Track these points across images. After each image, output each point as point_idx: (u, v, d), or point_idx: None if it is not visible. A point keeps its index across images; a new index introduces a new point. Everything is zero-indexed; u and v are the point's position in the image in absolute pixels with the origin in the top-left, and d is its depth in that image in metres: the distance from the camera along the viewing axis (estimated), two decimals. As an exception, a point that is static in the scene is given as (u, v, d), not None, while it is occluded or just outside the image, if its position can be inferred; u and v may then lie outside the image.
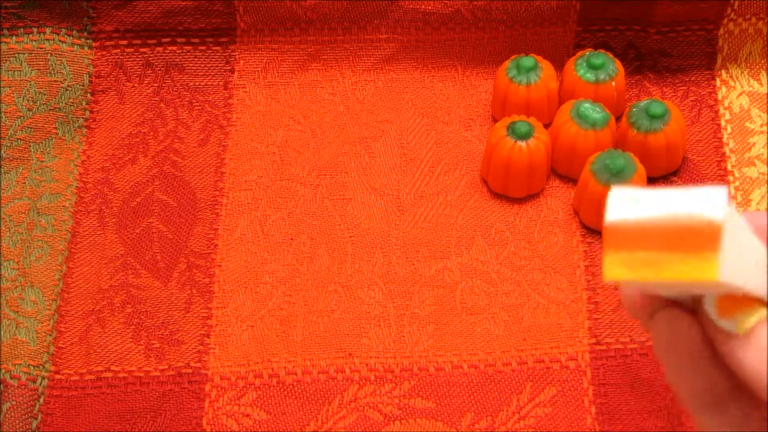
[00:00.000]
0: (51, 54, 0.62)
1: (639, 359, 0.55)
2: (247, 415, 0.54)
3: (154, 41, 0.63)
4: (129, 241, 0.59)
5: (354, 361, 0.55)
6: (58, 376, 0.55)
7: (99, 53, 0.63)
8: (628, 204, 0.28)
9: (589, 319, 0.56)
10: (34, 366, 0.55)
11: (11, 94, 0.62)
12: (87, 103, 0.63)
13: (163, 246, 0.59)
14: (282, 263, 0.58)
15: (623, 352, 0.55)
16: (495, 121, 0.62)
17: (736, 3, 0.61)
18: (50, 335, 0.56)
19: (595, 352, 0.55)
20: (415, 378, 0.55)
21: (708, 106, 0.62)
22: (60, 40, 0.63)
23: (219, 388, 0.55)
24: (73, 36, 0.63)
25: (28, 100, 0.62)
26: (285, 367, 0.55)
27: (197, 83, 0.64)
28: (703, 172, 0.60)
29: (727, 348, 0.30)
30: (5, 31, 0.62)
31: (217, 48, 0.64)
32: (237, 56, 0.64)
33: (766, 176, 0.60)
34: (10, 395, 0.54)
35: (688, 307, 0.31)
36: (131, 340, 0.56)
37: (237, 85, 0.64)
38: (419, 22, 0.63)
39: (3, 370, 0.55)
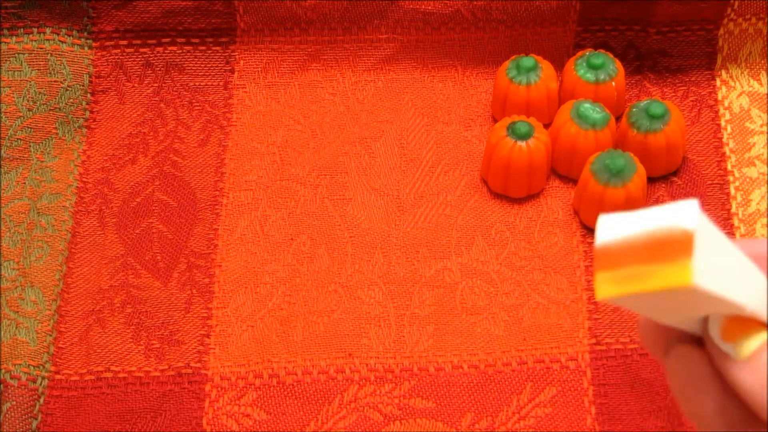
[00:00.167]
0: (51, 54, 0.62)
1: (639, 359, 0.55)
2: (247, 416, 0.54)
3: (154, 41, 0.63)
4: (129, 241, 0.59)
5: (354, 362, 0.55)
6: (58, 377, 0.55)
7: (99, 53, 0.63)
8: (614, 226, 0.30)
9: (589, 320, 0.56)
10: (34, 366, 0.55)
11: (11, 94, 0.62)
12: (87, 103, 0.63)
13: (163, 246, 0.59)
14: (282, 263, 0.58)
15: (623, 353, 0.55)
16: (495, 121, 0.62)
17: (736, 3, 0.61)
18: (50, 335, 0.56)
19: (595, 353, 0.55)
20: (415, 378, 0.55)
21: (708, 106, 0.62)
22: (60, 40, 0.63)
23: (219, 389, 0.55)
24: (73, 36, 0.63)
25: (28, 100, 0.62)
26: (285, 368, 0.55)
27: (197, 83, 0.64)
28: (703, 172, 0.60)
29: (728, 370, 0.31)
30: (5, 31, 0.62)
31: (217, 48, 0.64)
32: (237, 56, 0.64)
33: (766, 176, 0.60)
34: (10, 395, 0.54)
35: (700, 342, 0.32)
36: (131, 340, 0.56)
37: (237, 85, 0.64)
38: (419, 22, 0.63)
39: (3, 370, 0.55)
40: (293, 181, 0.61)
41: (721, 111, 0.62)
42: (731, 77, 0.63)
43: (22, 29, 0.62)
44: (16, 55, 0.62)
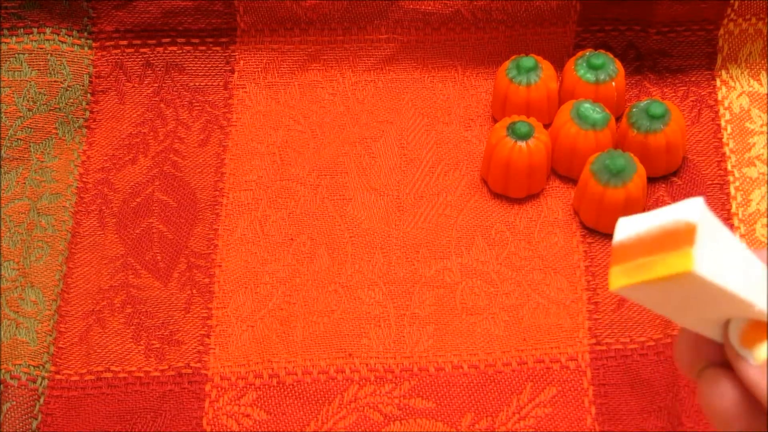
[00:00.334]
0: (51, 54, 0.62)
1: (639, 359, 0.55)
2: (248, 416, 0.54)
3: (154, 41, 0.63)
4: (129, 242, 0.59)
5: (354, 362, 0.55)
6: (58, 377, 0.55)
7: (99, 53, 0.63)
8: (629, 227, 0.32)
9: (589, 320, 0.56)
10: (34, 366, 0.55)
11: (11, 95, 0.62)
12: (87, 104, 0.63)
13: (163, 246, 0.59)
14: (282, 263, 0.58)
15: (623, 353, 0.55)
16: (495, 121, 0.62)
17: (736, 3, 0.61)
18: (50, 335, 0.56)
19: (595, 353, 0.55)
20: (415, 378, 0.55)
21: (708, 107, 0.62)
22: (60, 41, 0.63)
23: (219, 389, 0.55)
24: (73, 36, 0.63)
25: (28, 101, 0.62)
26: (285, 368, 0.55)
27: (197, 83, 0.64)
28: (703, 172, 0.60)
29: (745, 374, 0.32)
30: (5, 31, 0.62)
31: (217, 48, 0.64)
32: (237, 56, 0.64)
33: (766, 176, 0.60)
34: (10, 395, 0.54)
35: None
36: (131, 340, 0.56)
37: (237, 85, 0.64)
38: (419, 22, 0.63)
39: (3, 371, 0.55)
40: (293, 181, 0.61)
41: (721, 111, 0.62)
42: (731, 77, 0.63)
43: (22, 29, 0.62)
44: (16, 55, 0.62)
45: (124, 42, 0.63)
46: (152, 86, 0.64)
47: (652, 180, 0.59)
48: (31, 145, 0.61)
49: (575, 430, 0.53)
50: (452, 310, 0.56)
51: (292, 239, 0.59)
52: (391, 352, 0.55)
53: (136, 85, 0.64)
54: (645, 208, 0.58)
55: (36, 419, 0.54)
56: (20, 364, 0.55)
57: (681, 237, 0.30)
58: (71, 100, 0.63)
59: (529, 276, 0.57)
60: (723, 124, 0.61)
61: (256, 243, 0.59)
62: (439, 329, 0.56)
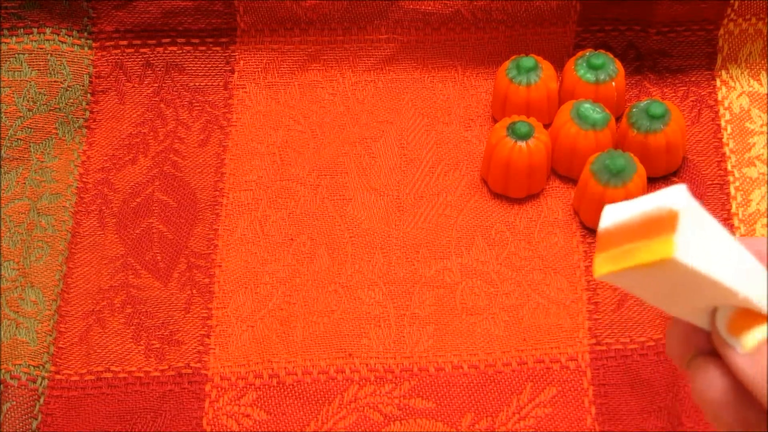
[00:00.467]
0: (51, 54, 0.62)
1: (639, 359, 0.55)
2: (248, 416, 0.54)
3: (154, 41, 0.63)
4: (129, 242, 0.59)
5: (354, 362, 0.55)
6: (58, 377, 0.55)
7: (99, 53, 0.63)
8: (615, 213, 0.32)
9: (589, 320, 0.56)
10: (34, 366, 0.55)
11: (11, 95, 0.62)
12: (87, 104, 0.63)
13: (163, 246, 0.59)
14: (282, 263, 0.58)
15: (623, 353, 0.55)
16: (495, 121, 0.62)
17: (736, 3, 0.61)
18: (50, 335, 0.56)
19: (595, 353, 0.55)
20: (415, 378, 0.55)
21: (708, 107, 0.62)
22: (60, 41, 0.63)
23: (219, 389, 0.55)
24: (73, 36, 0.63)
25: (28, 101, 0.62)
26: (285, 368, 0.55)
27: (197, 83, 0.64)
28: (703, 172, 0.60)
29: (733, 362, 0.32)
30: (5, 32, 0.62)
31: (217, 48, 0.64)
32: (237, 56, 0.64)
33: (766, 176, 0.60)
34: (10, 395, 0.54)
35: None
36: (131, 340, 0.56)
37: (237, 85, 0.64)
38: (419, 22, 0.63)
39: (3, 371, 0.55)
40: (293, 181, 0.61)
41: (721, 111, 0.62)
42: (731, 77, 0.63)
43: (22, 29, 0.62)
44: (16, 55, 0.62)
45: (124, 42, 0.63)
46: (152, 86, 0.64)
47: (652, 180, 0.59)
48: (31, 145, 0.61)
49: (575, 430, 0.53)
50: (452, 310, 0.56)
51: (292, 239, 0.59)
52: (391, 352, 0.55)
53: (136, 85, 0.64)
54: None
55: (36, 419, 0.54)
56: (20, 364, 0.55)
57: (664, 224, 0.30)
58: (71, 100, 0.63)
59: (529, 276, 0.57)
60: (723, 124, 0.61)
61: (256, 243, 0.59)
62: (439, 329, 0.56)
